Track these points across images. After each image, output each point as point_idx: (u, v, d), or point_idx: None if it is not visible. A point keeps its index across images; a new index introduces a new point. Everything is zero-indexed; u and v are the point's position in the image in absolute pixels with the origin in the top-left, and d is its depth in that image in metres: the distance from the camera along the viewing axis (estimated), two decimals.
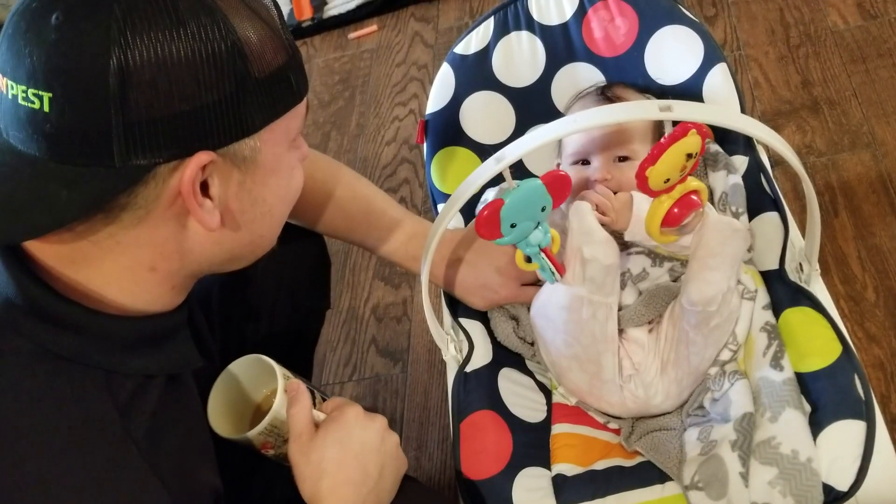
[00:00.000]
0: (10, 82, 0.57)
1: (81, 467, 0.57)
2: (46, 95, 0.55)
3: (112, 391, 0.61)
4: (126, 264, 0.62)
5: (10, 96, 0.57)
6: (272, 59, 0.60)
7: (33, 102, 0.55)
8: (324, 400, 0.80)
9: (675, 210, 0.77)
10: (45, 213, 0.57)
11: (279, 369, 0.77)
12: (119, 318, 0.63)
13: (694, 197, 0.77)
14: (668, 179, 0.71)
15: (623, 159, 1.00)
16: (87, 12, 0.55)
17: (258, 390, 0.81)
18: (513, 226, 0.75)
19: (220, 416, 0.76)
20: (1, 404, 0.58)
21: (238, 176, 0.62)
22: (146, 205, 0.59)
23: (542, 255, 0.81)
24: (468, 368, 0.95)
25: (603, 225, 0.93)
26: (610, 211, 0.94)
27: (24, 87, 0.56)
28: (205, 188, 0.61)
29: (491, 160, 0.70)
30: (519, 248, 0.81)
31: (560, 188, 0.76)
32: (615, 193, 0.96)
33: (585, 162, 1.02)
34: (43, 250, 0.61)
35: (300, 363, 1.13)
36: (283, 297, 1.00)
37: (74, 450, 0.58)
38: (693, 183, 0.76)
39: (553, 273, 0.84)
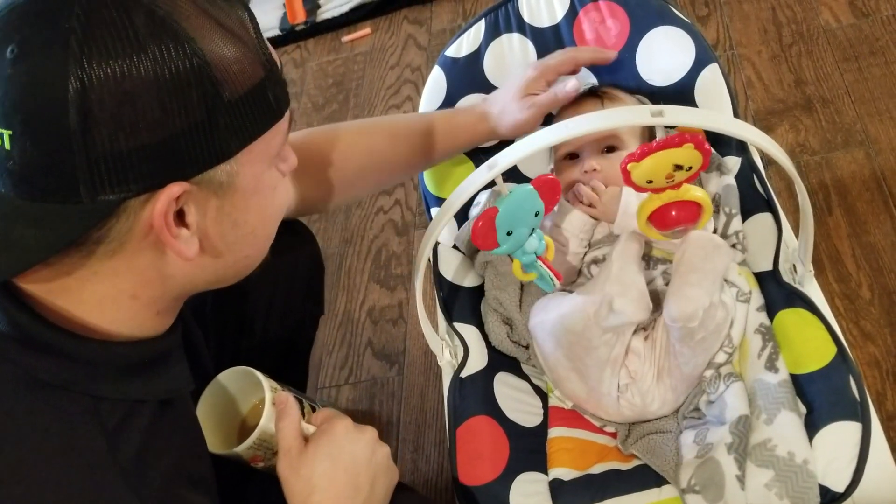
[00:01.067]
0: None
1: (65, 496, 0.56)
2: (6, 133, 0.53)
3: (100, 418, 0.59)
4: (105, 293, 0.60)
5: None
6: (246, 79, 0.57)
7: None
8: (313, 409, 0.79)
9: (673, 213, 0.77)
10: (12, 255, 0.56)
11: (266, 381, 0.76)
12: (107, 344, 0.62)
13: (694, 207, 0.76)
14: (650, 181, 0.71)
15: (611, 149, 1.01)
16: (41, 44, 0.52)
17: (246, 402, 0.80)
18: (509, 233, 0.74)
19: (207, 431, 0.74)
20: None
21: (216, 202, 0.60)
22: (119, 238, 0.57)
23: (539, 262, 0.81)
24: (463, 374, 0.94)
25: (593, 217, 0.97)
26: (598, 203, 0.97)
27: None
28: (181, 215, 0.59)
29: (484, 167, 0.70)
30: (515, 256, 0.80)
31: (550, 192, 0.75)
32: (606, 186, 0.98)
33: (575, 156, 1.04)
34: (22, 280, 0.59)
35: (295, 369, 1.13)
36: (278, 304, 0.99)
37: (58, 477, 0.56)
38: (694, 193, 0.75)
39: (552, 281, 0.83)
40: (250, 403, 0.80)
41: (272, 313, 0.99)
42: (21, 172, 0.54)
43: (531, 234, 0.78)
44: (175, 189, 0.56)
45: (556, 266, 0.87)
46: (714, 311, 0.85)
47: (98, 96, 0.52)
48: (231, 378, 0.79)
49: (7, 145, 0.53)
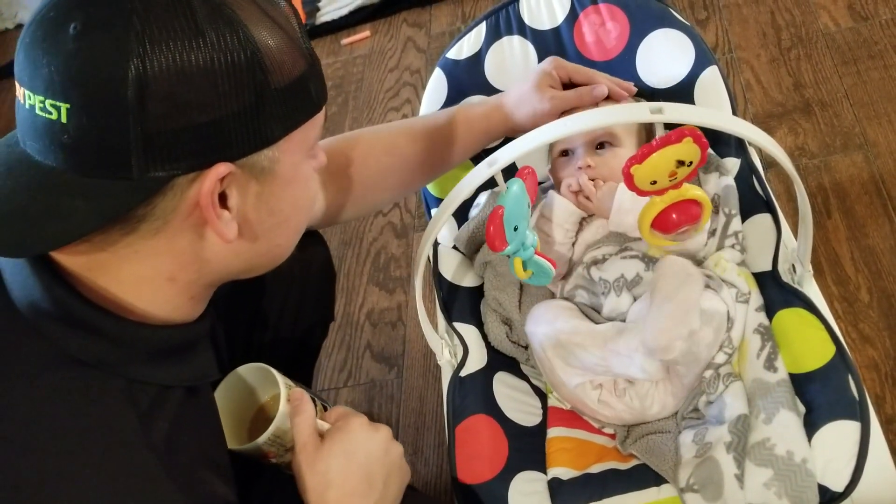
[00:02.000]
0: (27, 92, 0.56)
1: (97, 472, 0.57)
2: (64, 106, 0.55)
3: (133, 399, 0.60)
4: (144, 273, 0.61)
5: (27, 106, 0.56)
6: (291, 69, 0.60)
7: (51, 113, 0.55)
8: (325, 409, 0.80)
9: (673, 216, 0.76)
10: (61, 226, 0.57)
11: (281, 378, 0.77)
12: (142, 326, 0.63)
13: (694, 206, 0.76)
14: (654, 182, 0.70)
15: (603, 146, 1.02)
16: (104, 22, 0.54)
17: (256, 399, 0.81)
18: (515, 229, 0.75)
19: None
20: (21, 408, 0.57)
21: (256, 187, 0.62)
22: (164, 216, 0.58)
23: (537, 256, 0.81)
24: (463, 373, 0.95)
25: (588, 211, 0.98)
26: (593, 197, 0.98)
27: (41, 98, 0.55)
28: (222, 200, 0.60)
29: (483, 164, 0.70)
30: (518, 255, 0.80)
31: (531, 185, 0.76)
32: (604, 182, 0.99)
33: (569, 153, 1.05)
34: (63, 257, 0.60)
35: (301, 374, 1.12)
36: (290, 308, 1.00)
37: (90, 454, 0.57)
38: (694, 191, 0.75)
39: (549, 270, 0.83)
40: (261, 401, 0.81)
41: (285, 314, 1.00)
42: (75, 146, 0.55)
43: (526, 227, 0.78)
44: (222, 168, 0.58)
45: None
46: (698, 336, 0.86)
47: (156, 75, 0.54)
48: (244, 374, 0.79)
49: (64, 118, 0.55)
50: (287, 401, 0.74)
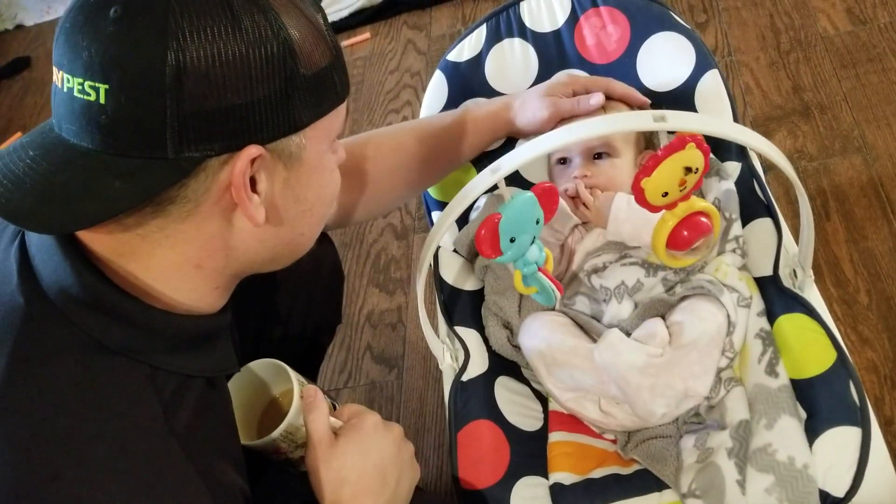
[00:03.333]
0: (66, 76, 0.58)
1: (122, 457, 0.58)
2: (103, 87, 0.56)
3: (157, 387, 0.61)
4: (173, 259, 0.62)
5: (65, 89, 0.58)
6: (319, 59, 0.62)
7: (89, 95, 0.56)
8: (335, 407, 0.80)
9: (685, 233, 0.76)
10: (97, 204, 0.58)
11: (294, 374, 0.77)
12: (168, 314, 0.64)
13: (703, 219, 0.76)
14: (666, 193, 0.70)
15: (600, 156, 1.02)
16: (145, 6, 0.56)
17: (267, 395, 0.81)
18: (512, 240, 0.74)
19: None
20: (47, 394, 0.58)
21: (283, 173, 0.63)
22: (195, 198, 0.60)
23: (540, 274, 0.80)
24: (464, 377, 0.95)
25: (585, 218, 0.99)
26: (591, 206, 0.98)
27: (80, 80, 0.56)
28: (252, 184, 0.62)
29: (486, 171, 0.70)
30: (517, 267, 0.80)
31: (549, 200, 0.75)
32: (601, 192, 0.99)
33: (566, 161, 1.05)
34: (94, 241, 0.61)
35: (307, 374, 1.13)
36: (299, 308, 1.00)
37: (118, 438, 0.58)
38: (700, 204, 0.75)
39: (553, 293, 0.83)
40: (270, 397, 0.81)
41: (294, 312, 1.00)
42: (111, 126, 0.57)
43: (532, 242, 0.77)
44: (253, 150, 0.59)
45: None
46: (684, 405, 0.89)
47: (193, 58, 0.56)
48: (257, 370, 0.79)
49: (102, 99, 0.56)
50: (300, 397, 0.75)
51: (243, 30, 0.57)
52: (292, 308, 0.99)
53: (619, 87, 1.05)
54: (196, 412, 0.64)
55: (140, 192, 0.58)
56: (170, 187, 0.58)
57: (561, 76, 1.03)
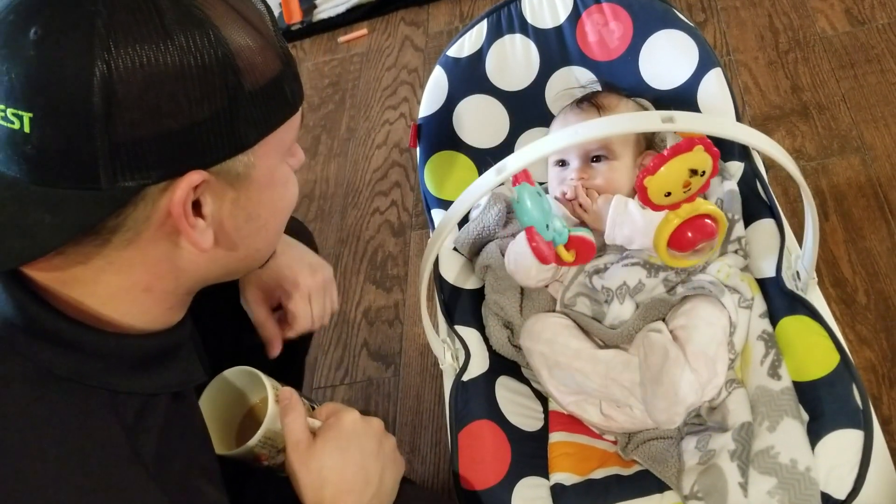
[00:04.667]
0: None
1: (90, 491, 0.56)
2: (27, 115, 0.52)
3: (118, 411, 0.59)
4: (119, 285, 0.59)
5: None
6: (266, 71, 0.58)
7: (13, 122, 0.52)
8: (313, 408, 0.79)
9: (689, 234, 0.76)
10: (27, 241, 0.54)
11: (268, 379, 0.76)
12: (121, 337, 0.61)
13: (708, 221, 0.76)
14: (669, 194, 0.70)
15: (597, 159, 1.02)
16: (67, 26, 0.51)
17: (243, 403, 0.80)
18: (547, 227, 0.76)
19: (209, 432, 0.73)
20: (5, 430, 0.55)
21: (232, 193, 0.59)
22: (136, 226, 0.56)
23: (574, 233, 0.81)
24: (465, 377, 0.94)
25: (582, 220, 0.99)
26: (589, 208, 0.98)
27: (2, 107, 0.53)
28: (197, 207, 0.58)
29: (491, 171, 0.69)
30: (556, 243, 0.80)
31: (584, 249, 0.78)
32: (598, 195, 0.99)
33: (565, 163, 1.05)
34: (34, 271, 0.58)
35: (291, 371, 1.12)
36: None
37: (82, 473, 0.56)
38: (707, 206, 0.75)
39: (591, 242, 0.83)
40: (249, 403, 0.80)
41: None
42: (39, 157, 0.53)
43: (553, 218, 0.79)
44: (195, 177, 0.56)
45: (534, 264, 0.90)
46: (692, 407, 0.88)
47: (123, 81, 0.52)
48: (230, 378, 0.78)
49: (27, 128, 0.52)
50: (276, 401, 0.74)
51: (177, 48, 0.53)
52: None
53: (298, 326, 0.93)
54: (162, 431, 0.61)
55: (72, 226, 0.54)
56: (106, 218, 0.55)
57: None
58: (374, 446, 0.74)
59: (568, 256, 0.81)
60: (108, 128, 0.52)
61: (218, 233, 0.60)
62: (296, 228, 1.02)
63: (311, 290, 0.91)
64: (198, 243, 0.59)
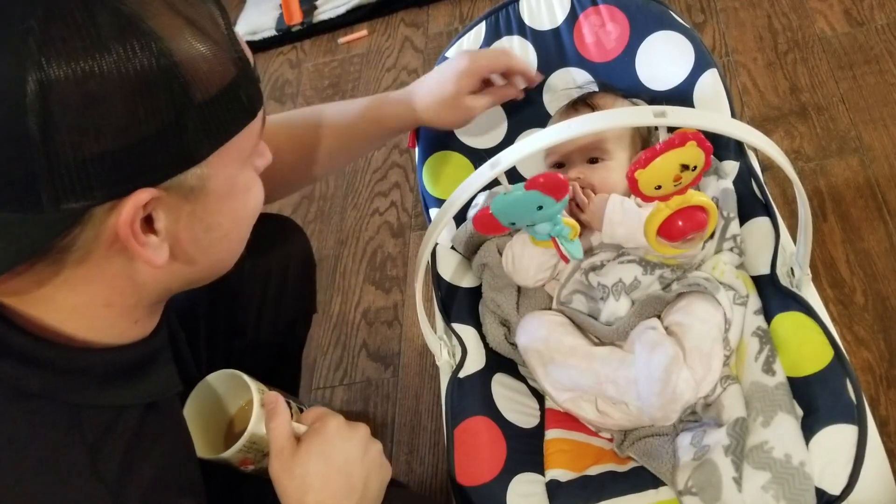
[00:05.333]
0: None
1: None
2: None
3: (82, 428, 0.57)
4: (78, 301, 0.58)
5: None
6: (218, 78, 0.55)
7: None
8: (301, 411, 0.78)
9: (679, 223, 0.76)
10: None
11: (254, 383, 0.75)
12: (87, 352, 0.60)
13: (700, 212, 0.76)
14: (659, 187, 0.70)
15: (594, 160, 1.02)
16: None
17: (231, 405, 0.79)
18: (512, 223, 0.75)
19: (194, 436, 0.73)
20: None
21: (187, 207, 0.57)
22: (86, 245, 0.54)
23: (562, 224, 0.81)
24: (462, 374, 0.94)
25: (579, 222, 0.97)
26: (586, 208, 0.98)
27: None
28: (150, 220, 0.56)
29: (485, 166, 0.70)
30: (530, 233, 0.81)
31: (553, 185, 0.75)
32: (596, 194, 1.00)
33: (561, 165, 1.05)
34: None
35: (288, 369, 1.13)
36: (270, 304, 0.99)
37: (38, 492, 0.55)
38: (699, 198, 0.75)
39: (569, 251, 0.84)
40: (236, 406, 0.79)
41: (264, 313, 0.99)
42: None
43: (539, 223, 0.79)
44: (143, 196, 0.53)
45: (532, 265, 0.90)
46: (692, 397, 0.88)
47: (59, 100, 0.49)
48: (216, 382, 0.77)
49: None
50: (261, 405, 0.73)
51: (116, 63, 0.50)
52: (262, 307, 0.97)
53: (519, 64, 1.04)
54: (131, 445, 0.60)
55: (17, 251, 0.53)
56: (52, 240, 0.53)
57: (461, 66, 0.98)
58: (359, 452, 0.72)
59: (540, 242, 0.81)
60: (46, 150, 0.50)
61: (174, 247, 0.58)
62: (289, 226, 1.02)
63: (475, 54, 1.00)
64: (151, 261, 0.57)
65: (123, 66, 0.50)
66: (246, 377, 0.75)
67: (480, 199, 1.11)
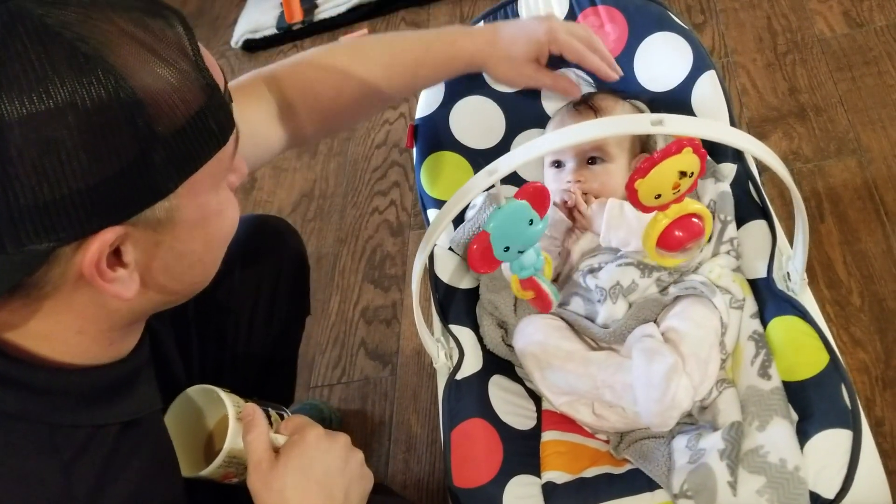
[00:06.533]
0: None
1: None
2: None
3: (57, 447, 0.57)
4: (50, 329, 0.58)
5: None
6: (184, 109, 0.53)
7: None
8: (281, 418, 0.77)
9: (677, 233, 0.76)
10: None
11: (228, 397, 0.74)
12: (65, 373, 0.59)
13: (696, 220, 0.76)
14: (659, 195, 0.71)
15: (593, 161, 1.03)
16: None
17: (211, 418, 0.78)
18: (506, 249, 0.75)
19: (177, 452, 0.72)
20: None
21: (156, 237, 0.56)
22: (53, 281, 0.54)
23: (539, 277, 0.81)
24: (459, 376, 0.95)
25: (578, 224, 0.99)
26: (584, 211, 0.99)
27: None
28: (119, 253, 0.55)
29: (483, 172, 0.70)
30: (513, 272, 0.81)
31: (540, 199, 0.75)
32: (595, 198, 1.00)
33: (560, 164, 1.05)
34: None
35: (284, 370, 1.12)
36: (262, 308, 0.98)
37: None
38: (694, 206, 0.75)
39: (551, 295, 0.84)
40: (214, 420, 0.78)
41: (256, 317, 0.98)
42: None
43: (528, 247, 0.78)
44: (108, 236, 0.53)
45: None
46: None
47: (14, 145, 0.48)
48: (194, 396, 0.76)
49: None
50: (237, 419, 0.72)
51: (73, 102, 0.48)
52: (255, 312, 0.97)
53: (594, 60, 1.05)
54: (107, 464, 0.59)
55: None
56: (20, 278, 0.53)
57: (541, 34, 1.00)
58: (339, 464, 0.71)
59: (521, 293, 0.83)
60: (5, 197, 0.49)
61: (145, 275, 0.58)
62: (282, 229, 1.02)
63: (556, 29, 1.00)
64: (119, 294, 0.56)
65: (82, 106, 0.49)
66: (219, 391, 0.74)
67: (478, 201, 1.11)
